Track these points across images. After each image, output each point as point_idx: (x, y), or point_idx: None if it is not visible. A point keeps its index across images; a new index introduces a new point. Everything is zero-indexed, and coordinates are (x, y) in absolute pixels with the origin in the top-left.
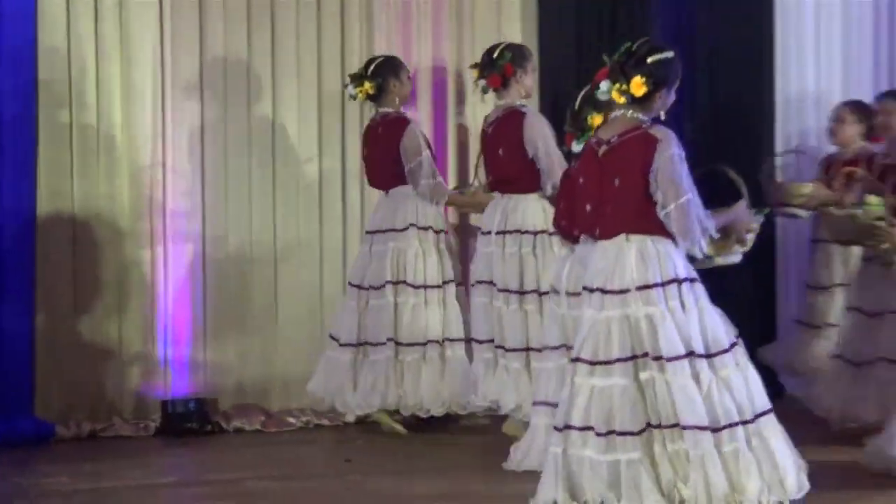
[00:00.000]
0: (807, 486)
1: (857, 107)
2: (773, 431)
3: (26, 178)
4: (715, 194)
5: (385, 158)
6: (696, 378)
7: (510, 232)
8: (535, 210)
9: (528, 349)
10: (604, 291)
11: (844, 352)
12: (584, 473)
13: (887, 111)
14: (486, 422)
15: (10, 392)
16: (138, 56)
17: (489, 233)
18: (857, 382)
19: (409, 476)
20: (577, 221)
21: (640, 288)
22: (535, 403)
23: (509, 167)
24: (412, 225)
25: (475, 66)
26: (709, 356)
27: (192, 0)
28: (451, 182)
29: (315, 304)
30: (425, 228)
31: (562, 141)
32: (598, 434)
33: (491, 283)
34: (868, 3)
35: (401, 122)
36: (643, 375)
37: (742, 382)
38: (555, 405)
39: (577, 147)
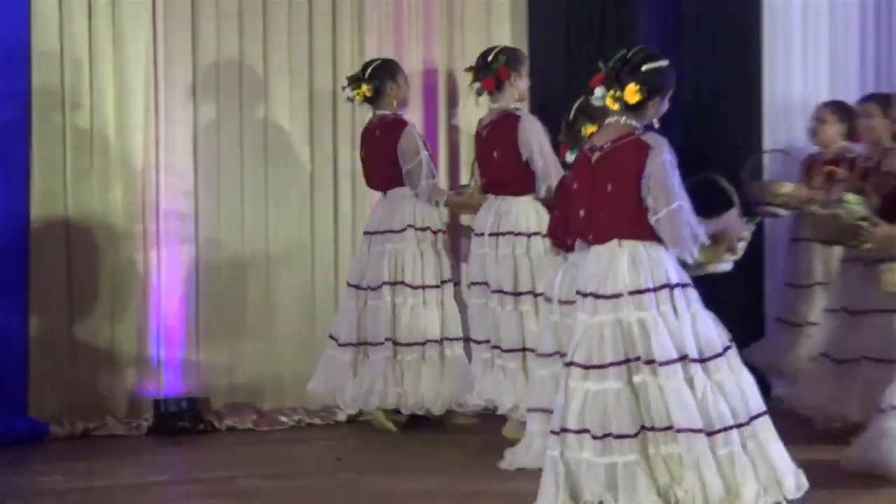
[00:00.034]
0: (805, 484)
1: (837, 107)
2: (769, 433)
3: (20, 180)
4: (707, 202)
5: (383, 160)
6: (690, 382)
7: (503, 234)
8: (528, 212)
9: (524, 349)
10: (596, 296)
11: (829, 350)
12: (581, 475)
13: (868, 114)
14: (475, 421)
15: (5, 392)
16: (131, 58)
17: (482, 234)
18: (842, 381)
19: (400, 474)
20: (571, 228)
21: (632, 293)
22: (529, 410)
23: (504, 170)
24: (410, 226)
25: (470, 69)
26: (702, 360)
27: (184, 2)
28: (442, 183)
29: (307, 304)
30: (423, 229)
31: (556, 148)
32: (595, 437)
33: (485, 284)
34: (854, 3)
35: (398, 125)
36: (636, 379)
37: (736, 386)
38: (550, 411)
39: (571, 157)
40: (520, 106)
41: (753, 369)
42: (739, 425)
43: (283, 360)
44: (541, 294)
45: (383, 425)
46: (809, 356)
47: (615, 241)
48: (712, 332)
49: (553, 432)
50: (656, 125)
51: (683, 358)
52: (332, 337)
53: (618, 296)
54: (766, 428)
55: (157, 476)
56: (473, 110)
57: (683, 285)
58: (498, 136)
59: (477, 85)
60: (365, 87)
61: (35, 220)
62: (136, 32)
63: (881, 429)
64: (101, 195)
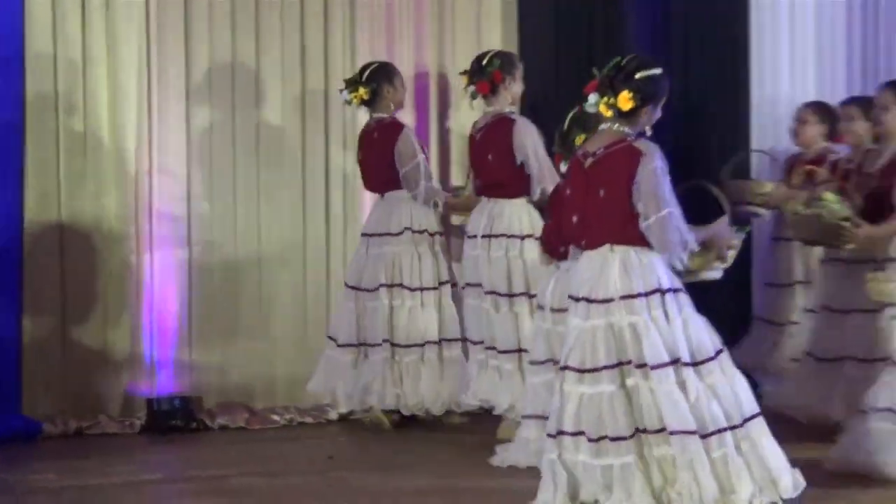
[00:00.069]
0: (802, 483)
1: (818, 108)
2: (763, 434)
3: (14, 182)
4: (699, 210)
5: (380, 163)
6: (683, 386)
7: (496, 236)
8: (521, 214)
9: (519, 350)
10: (589, 301)
11: (814, 349)
12: (579, 476)
13: (849, 117)
14: (465, 420)
15: None
16: (125, 60)
17: (475, 236)
18: (826, 380)
19: (392, 472)
20: (564, 234)
21: (623, 297)
22: (524, 417)
23: (498, 172)
24: (407, 229)
25: (464, 72)
26: (695, 364)
27: (177, 4)
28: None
29: (299, 304)
30: (420, 232)
31: (549, 152)
32: (590, 440)
33: (479, 285)
34: (841, 4)
35: (395, 127)
36: (629, 382)
37: (729, 388)
38: (545, 418)
39: (565, 168)
40: (513, 109)
41: (742, 370)
42: (733, 427)
43: (275, 360)
44: (535, 295)
45: (380, 420)
46: (792, 356)
47: (607, 247)
48: (704, 336)
49: (550, 435)
50: (648, 132)
51: (675, 362)
52: (330, 337)
53: (609, 300)
54: (759, 429)
55: (150, 474)
56: (465, 113)
57: (675, 290)
58: (492, 140)
59: (472, 88)
60: (362, 90)
61: (29, 221)
62: (129, 35)
63: (866, 429)
64: (96, 196)
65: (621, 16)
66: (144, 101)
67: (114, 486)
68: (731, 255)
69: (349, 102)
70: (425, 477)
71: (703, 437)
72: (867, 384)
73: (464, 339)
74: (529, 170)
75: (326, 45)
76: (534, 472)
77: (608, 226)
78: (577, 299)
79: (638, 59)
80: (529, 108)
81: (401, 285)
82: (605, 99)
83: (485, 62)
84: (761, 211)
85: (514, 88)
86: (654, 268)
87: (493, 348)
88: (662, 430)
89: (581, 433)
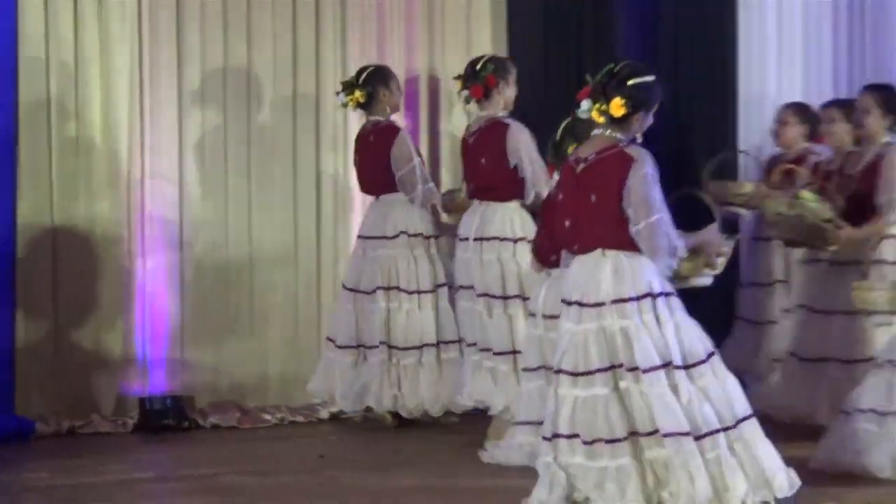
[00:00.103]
0: (797, 482)
1: (799, 109)
2: (756, 435)
3: (7, 183)
4: (689, 216)
5: (376, 166)
6: (675, 389)
7: (488, 239)
8: (513, 217)
9: (514, 352)
10: (581, 305)
11: (797, 350)
12: (574, 478)
13: (831, 119)
14: (455, 419)
15: None
16: (117, 64)
17: (466, 239)
18: (810, 381)
19: (383, 471)
20: (556, 239)
21: (615, 301)
22: (517, 423)
23: (492, 176)
24: (403, 232)
25: (458, 77)
26: (686, 367)
27: (169, 9)
28: None
29: (290, 304)
30: (415, 235)
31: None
32: (585, 442)
33: (472, 287)
34: (828, 5)
35: (391, 130)
36: (622, 385)
37: (721, 390)
38: (538, 423)
39: (558, 177)
40: (506, 114)
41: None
42: (726, 429)
43: (266, 360)
44: (528, 298)
45: (383, 416)
46: (774, 356)
47: (599, 251)
48: (696, 339)
49: (545, 438)
50: (638, 139)
51: (667, 365)
52: (329, 339)
53: (601, 304)
54: (752, 430)
55: (143, 473)
56: (456, 116)
57: (666, 294)
58: (486, 144)
59: (465, 93)
60: (358, 93)
61: (23, 221)
62: (121, 39)
63: (852, 430)
64: (89, 198)
65: (610, 16)
66: (137, 104)
67: (106, 484)
68: (721, 262)
69: (345, 105)
70: (417, 475)
71: (697, 438)
72: (851, 385)
73: (461, 341)
74: (523, 173)
75: (318, 47)
76: (526, 472)
77: (600, 230)
78: (570, 303)
79: (630, 65)
80: (518, 109)
81: (397, 288)
82: (598, 105)
83: (479, 67)
84: (742, 211)
85: (508, 93)
86: (646, 272)
87: (487, 350)
88: (654, 432)
89: (576, 436)
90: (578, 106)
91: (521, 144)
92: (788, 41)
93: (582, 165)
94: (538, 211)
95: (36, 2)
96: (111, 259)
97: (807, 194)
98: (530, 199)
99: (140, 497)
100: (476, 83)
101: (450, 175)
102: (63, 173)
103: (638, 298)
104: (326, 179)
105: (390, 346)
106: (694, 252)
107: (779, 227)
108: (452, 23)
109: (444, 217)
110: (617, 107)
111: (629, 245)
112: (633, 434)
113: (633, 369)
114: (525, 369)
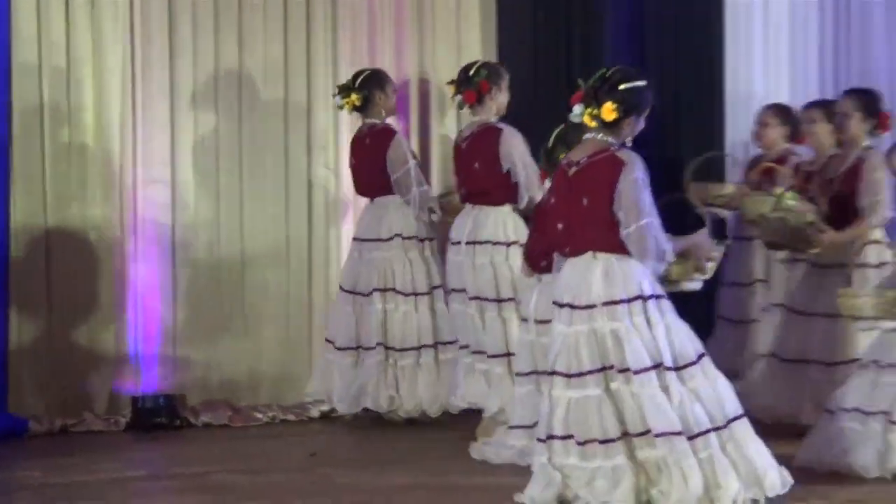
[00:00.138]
0: (790, 481)
1: (779, 110)
2: (747, 434)
3: (2, 180)
4: (680, 221)
5: (372, 168)
6: (666, 390)
7: (481, 243)
8: (505, 221)
9: (508, 355)
10: (572, 307)
11: (777, 351)
12: (568, 478)
13: (811, 119)
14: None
15: None
16: (110, 65)
17: (458, 243)
18: (792, 382)
19: (375, 469)
20: (549, 242)
21: (605, 304)
22: (510, 427)
23: (485, 180)
24: (397, 235)
25: (451, 82)
26: (677, 369)
27: (161, 13)
28: None
29: (281, 304)
30: (410, 238)
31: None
32: (579, 443)
33: (464, 291)
34: (814, 6)
35: (387, 133)
36: (613, 385)
37: (711, 391)
38: (530, 427)
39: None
40: (497, 119)
41: None
42: (717, 429)
43: (257, 359)
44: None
45: (391, 416)
46: (756, 354)
47: (590, 254)
48: (686, 341)
49: (540, 440)
50: (628, 143)
51: (657, 366)
52: (328, 341)
53: (592, 307)
54: (744, 429)
55: (135, 471)
56: (447, 119)
57: (657, 296)
58: (479, 148)
59: (459, 98)
60: (354, 96)
61: (16, 220)
62: (113, 43)
63: (838, 428)
64: (81, 197)
65: (599, 17)
66: (129, 106)
67: (99, 482)
68: (711, 266)
69: (341, 108)
70: (408, 473)
71: (689, 438)
72: (832, 388)
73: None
74: (516, 178)
75: (309, 49)
76: (517, 470)
77: (591, 233)
78: (561, 305)
79: (622, 70)
80: (508, 110)
81: (393, 290)
82: (590, 109)
83: (472, 72)
84: (723, 212)
85: (500, 99)
86: (636, 275)
87: (480, 352)
88: (646, 433)
89: (570, 437)
90: (570, 109)
91: (515, 149)
92: (775, 43)
93: (574, 169)
94: (530, 215)
95: (29, 7)
96: (104, 259)
97: (783, 191)
98: (524, 203)
99: (132, 495)
100: (469, 88)
101: (440, 177)
102: (56, 174)
103: (629, 301)
104: (318, 180)
105: (387, 348)
106: (683, 256)
107: (761, 230)
108: (442, 25)
109: (435, 217)
110: (608, 111)
111: (620, 248)
112: (626, 435)
113: (624, 370)
114: (518, 374)
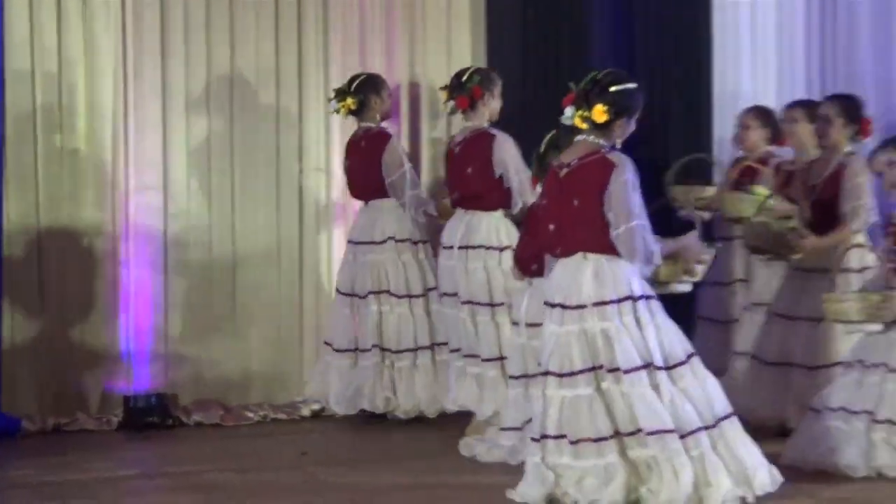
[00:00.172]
0: (780, 479)
1: (760, 112)
2: (737, 433)
3: None
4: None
5: (367, 171)
6: (657, 389)
7: (473, 247)
8: (498, 226)
9: (501, 358)
10: (563, 307)
11: (759, 353)
12: (561, 477)
13: (793, 119)
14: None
15: None
16: (102, 69)
17: (451, 247)
18: (774, 384)
19: (366, 468)
20: (539, 244)
21: (596, 304)
22: (502, 429)
23: (477, 185)
24: (391, 238)
25: (444, 88)
26: (667, 368)
27: (153, 17)
28: None
29: (272, 304)
30: (403, 240)
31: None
32: (571, 442)
33: (456, 295)
34: (801, 7)
35: (383, 137)
36: (603, 385)
37: (701, 391)
38: (520, 429)
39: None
40: (490, 125)
41: None
42: (707, 428)
43: (249, 358)
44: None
45: (393, 416)
46: (736, 354)
47: (580, 255)
48: (675, 341)
49: (533, 439)
50: (618, 145)
51: (647, 366)
52: (327, 343)
53: (582, 307)
54: (733, 428)
55: (127, 470)
56: (439, 123)
57: (647, 297)
58: (471, 154)
59: (451, 103)
60: (350, 100)
61: (8, 221)
62: (106, 47)
63: (824, 427)
64: (74, 198)
65: (587, 18)
66: (121, 109)
67: (92, 481)
68: (701, 269)
69: (337, 111)
70: (399, 472)
71: (680, 437)
72: (815, 391)
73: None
74: (509, 183)
75: (300, 52)
76: (508, 469)
77: (582, 234)
78: (552, 305)
79: (613, 73)
80: (500, 113)
81: (388, 292)
82: (581, 112)
83: (464, 78)
84: (704, 214)
85: (493, 104)
86: (626, 275)
87: (472, 356)
88: (636, 432)
89: (563, 436)
90: (561, 111)
91: (507, 155)
92: (762, 44)
93: (565, 170)
94: (522, 220)
95: (21, 12)
96: (97, 260)
97: (759, 189)
98: (517, 208)
99: (125, 494)
100: (462, 94)
101: (430, 179)
102: (49, 175)
103: (619, 301)
104: (309, 182)
105: (383, 349)
106: (672, 258)
107: (744, 234)
108: (433, 28)
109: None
110: (599, 113)
111: (610, 249)
112: (617, 434)
113: (614, 370)
114: (510, 376)
